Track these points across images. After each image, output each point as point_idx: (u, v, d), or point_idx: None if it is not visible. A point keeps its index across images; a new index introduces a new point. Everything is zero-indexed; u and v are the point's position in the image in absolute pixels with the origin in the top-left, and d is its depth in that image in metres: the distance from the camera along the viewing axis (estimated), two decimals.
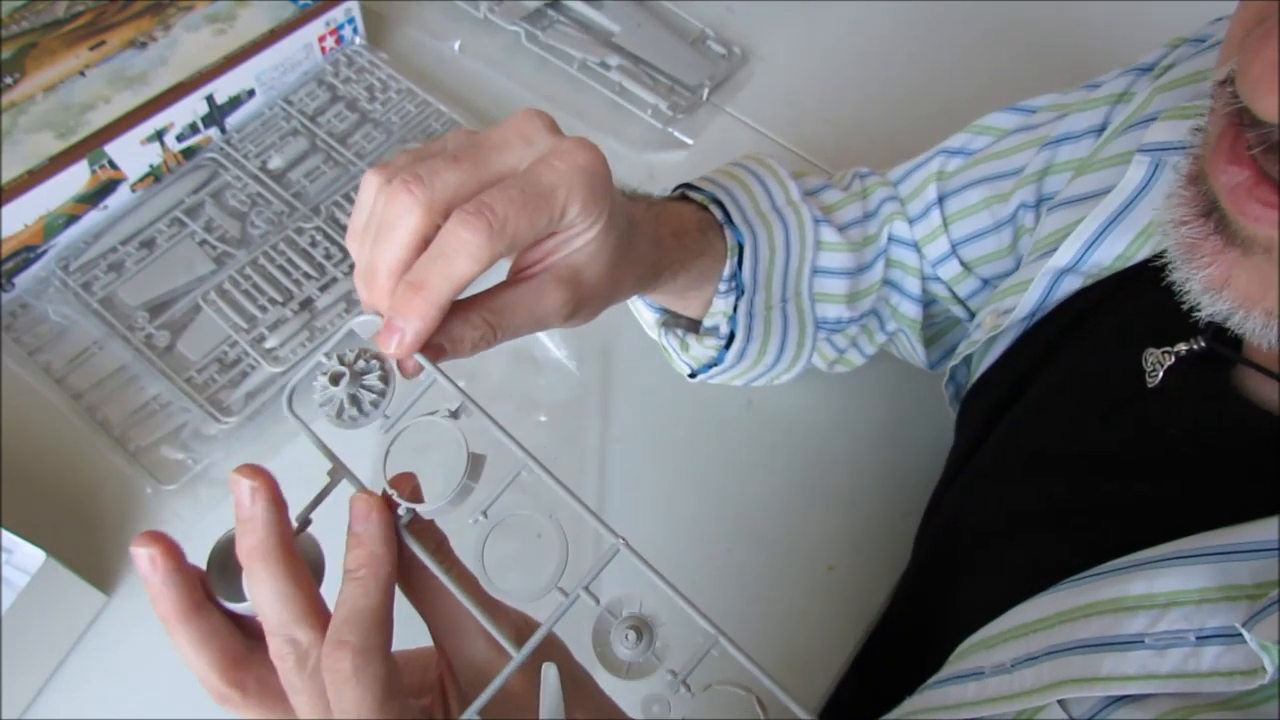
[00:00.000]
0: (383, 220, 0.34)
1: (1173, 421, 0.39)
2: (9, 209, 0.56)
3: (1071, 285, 0.45)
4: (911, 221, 0.55)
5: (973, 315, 0.56)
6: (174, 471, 0.54)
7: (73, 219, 0.60)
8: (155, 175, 0.63)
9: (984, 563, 0.46)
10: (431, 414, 0.33)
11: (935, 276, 0.55)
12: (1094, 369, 0.44)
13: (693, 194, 0.50)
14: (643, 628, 0.30)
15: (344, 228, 0.62)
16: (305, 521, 0.32)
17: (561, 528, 0.32)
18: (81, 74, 0.61)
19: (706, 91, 0.73)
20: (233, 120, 0.66)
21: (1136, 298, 0.43)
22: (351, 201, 0.63)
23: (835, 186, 0.55)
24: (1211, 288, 0.30)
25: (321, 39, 0.68)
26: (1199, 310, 0.31)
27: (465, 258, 0.31)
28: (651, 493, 0.56)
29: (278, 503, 0.31)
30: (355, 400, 0.31)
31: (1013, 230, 0.53)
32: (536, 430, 0.58)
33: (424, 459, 0.37)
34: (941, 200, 0.54)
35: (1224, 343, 0.37)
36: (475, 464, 0.33)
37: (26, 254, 0.59)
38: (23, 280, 0.59)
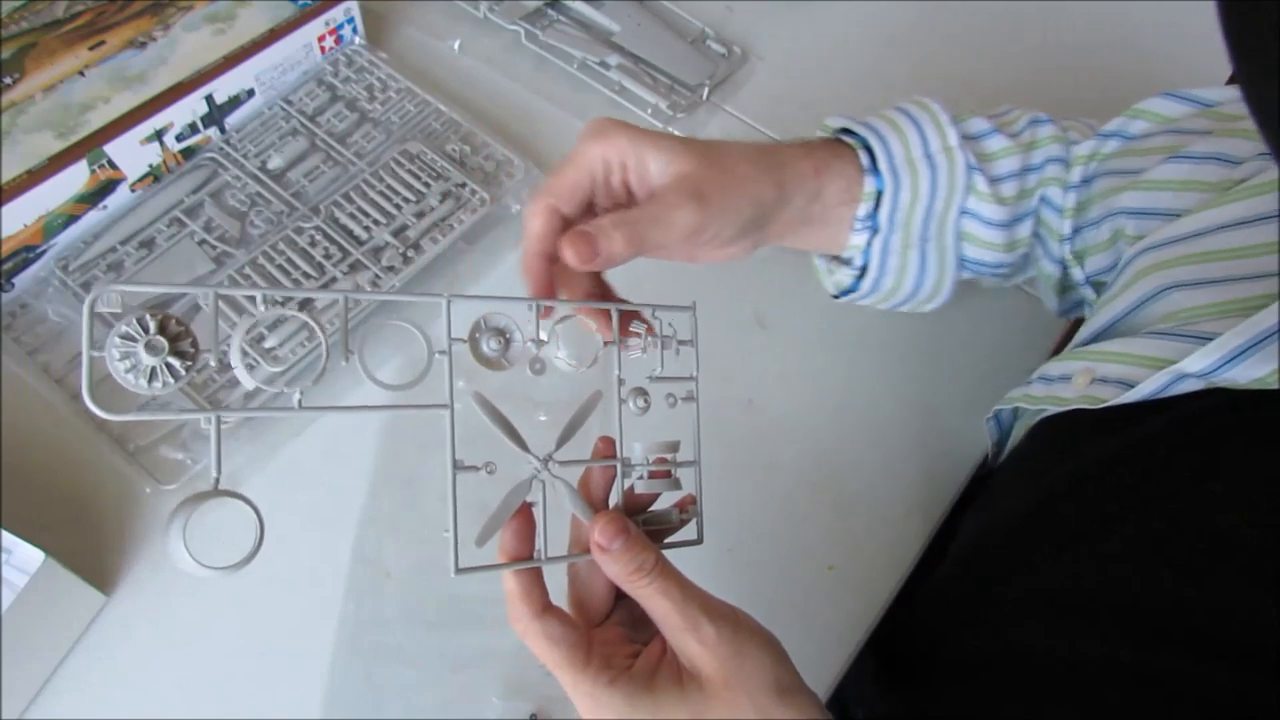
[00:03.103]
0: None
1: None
2: (8, 209, 0.56)
3: (1190, 386, 0.42)
4: (1065, 189, 0.55)
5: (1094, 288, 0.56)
6: (174, 471, 0.54)
7: (72, 219, 0.60)
8: (155, 175, 0.63)
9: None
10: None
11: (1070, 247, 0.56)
12: (1216, 498, 0.40)
13: (846, 138, 0.53)
14: (503, 334, 0.37)
15: (343, 227, 0.62)
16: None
17: None
18: (81, 74, 0.61)
19: (706, 91, 0.73)
20: (232, 120, 0.66)
21: (1267, 432, 0.39)
22: (350, 201, 0.63)
23: (1003, 131, 0.55)
24: None
25: (321, 39, 0.68)
26: None
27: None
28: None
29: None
30: (169, 367, 0.32)
31: (1111, 228, 0.53)
32: (537, 430, 0.58)
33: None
34: (1084, 183, 0.55)
35: None
36: None
37: (26, 254, 0.59)
38: (22, 280, 0.59)
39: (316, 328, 0.33)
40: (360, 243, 0.61)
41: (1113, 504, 0.44)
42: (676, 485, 0.40)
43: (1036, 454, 0.52)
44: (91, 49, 0.62)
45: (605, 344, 0.40)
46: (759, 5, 0.80)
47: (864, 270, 0.54)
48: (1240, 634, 0.37)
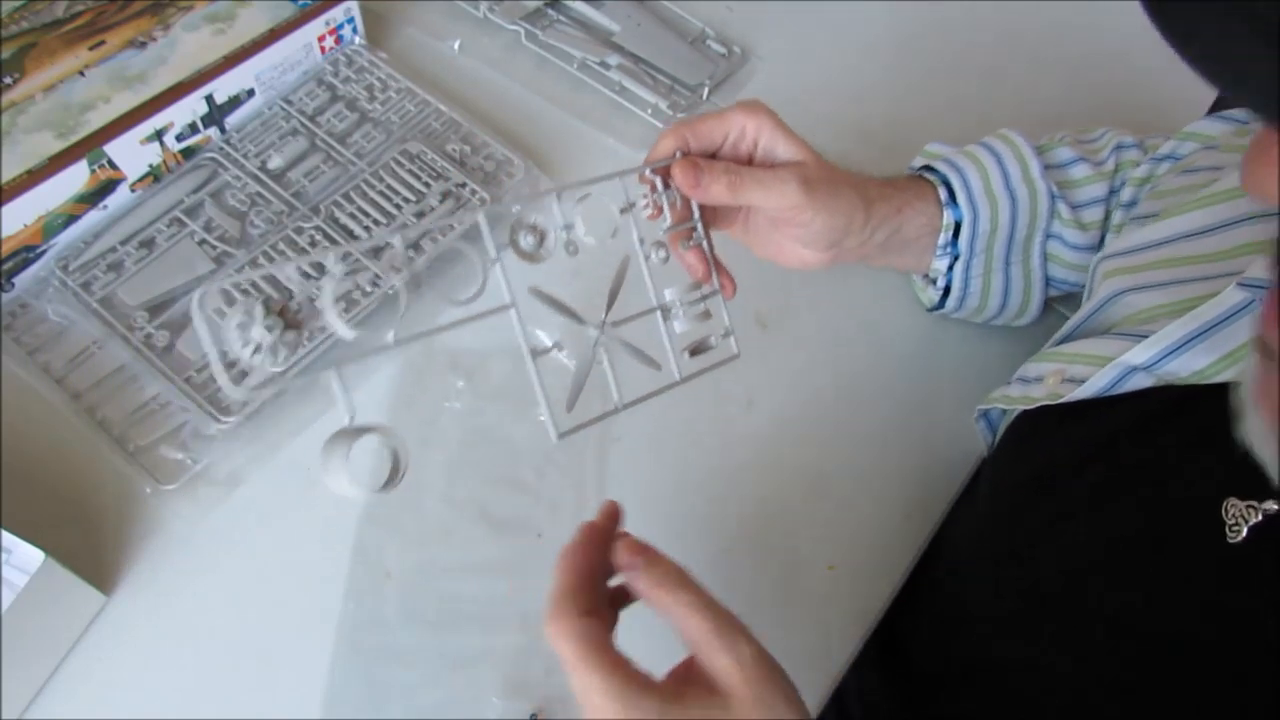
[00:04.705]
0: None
1: (1255, 591, 0.37)
2: (9, 209, 0.56)
3: (1141, 382, 0.44)
4: (1122, 208, 0.58)
5: None
6: (174, 471, 0.54)
7: (72, 219, 0.60)
8: (155, 175, 0.63)
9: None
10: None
11: None
12: (1167, 502, 0.42)
13: (928, 175, 0.58)
14: (539, 231, 0.42)
15: (343, 227, 0.62)
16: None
17: None
18: (81, 74, 0.61)
19: (706, 91, 0.73)
20: (232, 120, 0.66)
21: (1216, 432, 0.40)
22: (350, 201, 0.63)
23: (1088, 160, 0.59)
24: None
25: (321, 39, 0.68)
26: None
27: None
28: (651, 493, 0.56)
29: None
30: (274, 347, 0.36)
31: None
32: (536, 430, 0.58)
33: None
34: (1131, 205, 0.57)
35: None
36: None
37: (26, 254, 0.59)
38: (22, 280, 0.59)
39: (393, 268, 0.39)
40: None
41: (1069, 502, 0.46)
42: (708, 315, 0.46)
43: (1006, 453, 0.54)
44: (91, 49, 0.62)
45: (621, 212, 0.45)
46: (759, 5, 0.80)
47: (948, 290, 0.59)
48: (1167, 624, 0.39)
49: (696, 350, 0.47)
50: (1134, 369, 0.44)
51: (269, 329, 0.34)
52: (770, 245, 0.53)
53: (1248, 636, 0.37)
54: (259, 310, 0.34)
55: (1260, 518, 0.37)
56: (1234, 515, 0.38)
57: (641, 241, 0.45)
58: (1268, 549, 0.37)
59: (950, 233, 0.57)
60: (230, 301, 0.33)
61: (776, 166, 0.48)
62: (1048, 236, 0.59)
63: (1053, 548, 0.45)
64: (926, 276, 0.60)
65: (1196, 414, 0.42)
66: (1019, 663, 0.45)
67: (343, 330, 0.35)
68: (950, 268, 0.58)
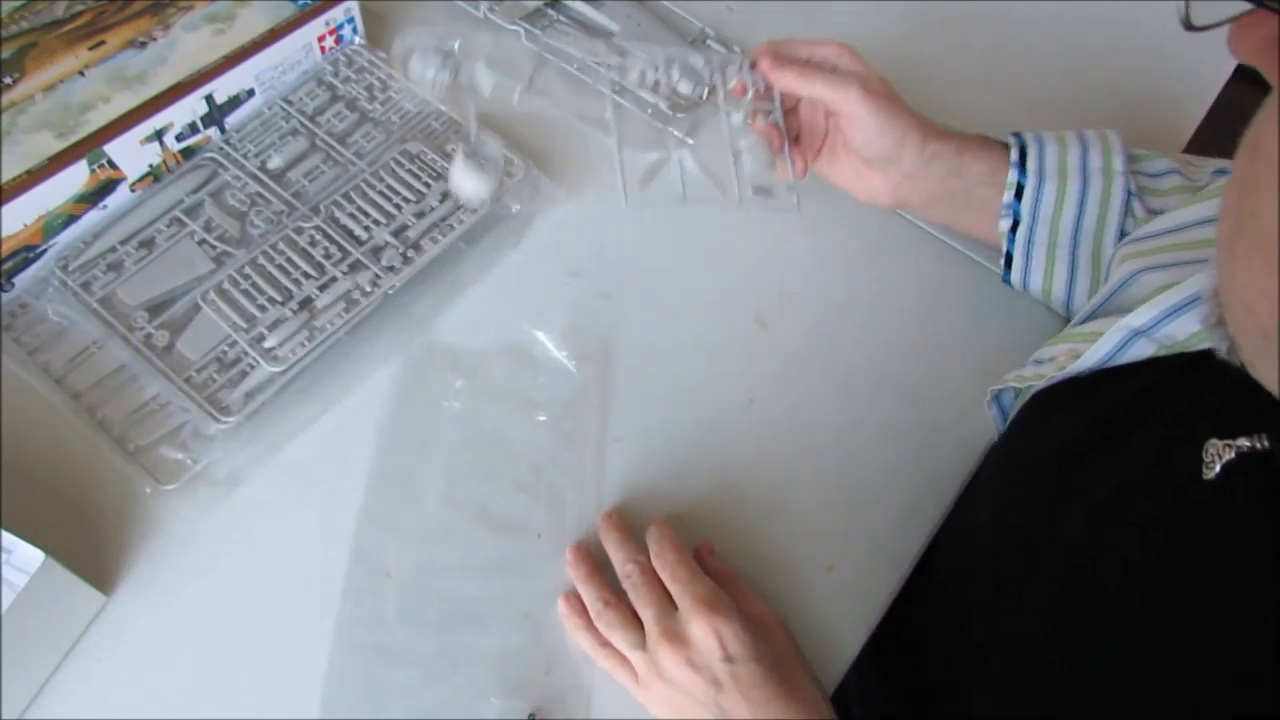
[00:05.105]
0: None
1: (1225, 523, 0.38)
2: (8, 209, 0.56)
3: (1143, 350, 0.45)
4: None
5: None
6: (174, 471, 0.54)
7: (72, 219, 0.60)
8: (155, 175, 0.63)
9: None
10: None
11: None
12: (1156, 451, 0.43)
13: (1009, 139, 0.59)
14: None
15: (343, 227, 0.62)
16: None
17: None
18: (81, 74, 0.61)
19: (706, 91, 0.73)
20: (232, 120, 0.66)
21: (1209, 383, 0.42)
22: (350, 201, 0.63)
23: (1182, 173, 0.58)
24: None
25: (321, 39, 0.68)
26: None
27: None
28: (651, 492, 0.56)
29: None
30: None
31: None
32: (536, 430, 0.58)
33: None
34: None
35: None
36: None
37: (26, 254, 0.59)
38: (22, 280, 0.59)
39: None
40: (360, 242, 0.61)
41: (1072, 485, 0.46)
42: (773, 168, 0.57)
43: (1014, 435, 0.55)
44: (91, 49, 0.62)
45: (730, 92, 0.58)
46: (759, 5, 0.80)
47: (1010, 259, 0.60)
48: (1168, 624, 0.39)
49: (761, 190, 0.54)
50: (1135, 333, 0.45)
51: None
52: (843, 169, 0.60)
53: (1222, 570, 0.37)
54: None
55: (1234, 454, 0.38)
56: (1211, 454, 0.39)
57: (727, 114, 0.58)
58: (1239, 483, 0.38)
59: (1013, 192, 0.57)
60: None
61: (847, 73, 0.56)
62: (1121, 235, 0.58)
63: (1054, 535, 0.45)
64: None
65: (1197, 385, 0.43)
66: (1019, 661, 0.45)
67: (476, 187, 0.52)
68: (1013, 232, 0.59)
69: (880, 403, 0.61)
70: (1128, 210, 0.57)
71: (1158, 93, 0.77)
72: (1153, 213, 0.57)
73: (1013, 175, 0.57)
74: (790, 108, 0.60)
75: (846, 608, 0.54)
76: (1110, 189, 0.57)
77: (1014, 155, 0.58)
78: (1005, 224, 0.59)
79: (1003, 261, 0.61)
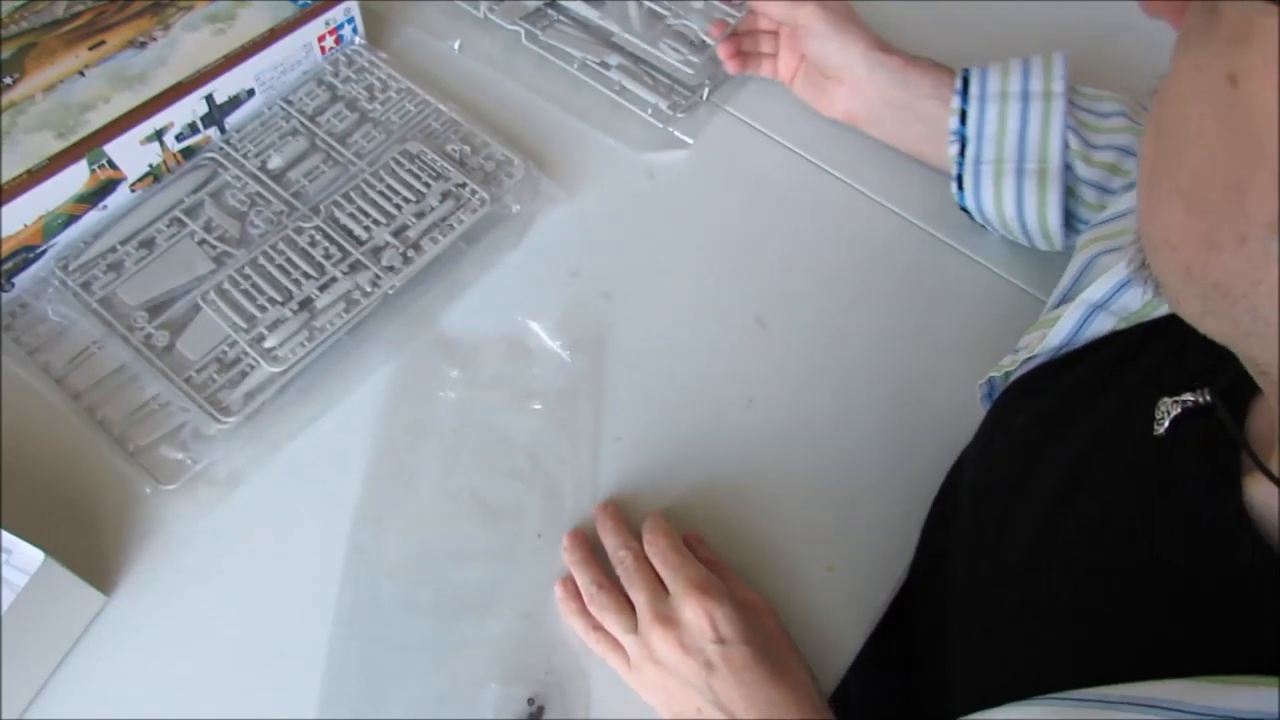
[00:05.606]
0: None
1: (1171, 474, 0.39)
2: (8, 209, 0.56)
3: (1104, 324, 0.47)
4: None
5: None
6: (173, 471, 0.54)
7: (72, 219, 0.60)
8: (155, 175, 0.63)
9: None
10: None
11: None
12: (1114, 415, 0.44)
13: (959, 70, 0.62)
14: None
15: (343, 227, 0.62)
16: None
17: None
18: (81, 74, 0.61)
19: (706, 91, 0.73)
20: (232, 120, 0.66)
21: (1163, 346, 0.44)
22: (350, 201, 0.63)
23: (1133, 118, 0.59)
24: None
25: (321, 39, 0.68)
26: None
27: None
28: (650, 491, 0.56)
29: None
30: None
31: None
32: (531, 418, 0.58)
33: None
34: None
35: (1230, 397, 0.37)
36: None
37: (26, 254, 0.59)
38: (22, 280, 0.59)
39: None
40: (360, 243, 0.61)
41: (1040, 468, 0.47)
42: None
43: (992, 420, 0.55)
44: (91, 49, 0.62)
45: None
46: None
47: (960, 182, 0.63)
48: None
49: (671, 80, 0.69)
50: (1094, 307, 0.47)
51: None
52: (813, 88, 0.68)
53: (1165, 520, 0.38)
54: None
55: (1180, 410, 0.39)
56: (1161, 412, 0.40)
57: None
58: (1184, 437, 0.39)
59: (959, 118, 0.61)
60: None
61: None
62: (1066, 167, 0.59)
63: (1021, 507, 0.45)
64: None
65: (1152, 349, 0.45)
66: (1020, 661, 0.45)
67: None
68: (961, 155, 0.62)
69: (880, 403, 0.61)
70: (1066, 143, 0.59)
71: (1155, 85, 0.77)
72: (1091, 147, 0.59)
73: (956, 102, 0.61)
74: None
75: (846, 608, 0.54)
76: (1050, 110, 0.58)
77: (957, 84, 0.61)
78: (954, 149, 0.62)
79: (954, 185, 0.63)
